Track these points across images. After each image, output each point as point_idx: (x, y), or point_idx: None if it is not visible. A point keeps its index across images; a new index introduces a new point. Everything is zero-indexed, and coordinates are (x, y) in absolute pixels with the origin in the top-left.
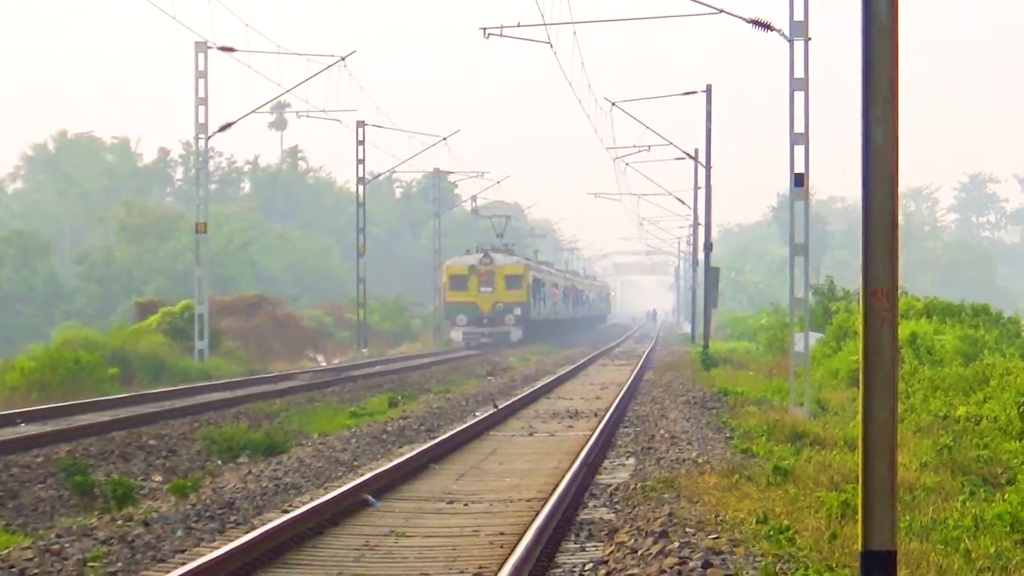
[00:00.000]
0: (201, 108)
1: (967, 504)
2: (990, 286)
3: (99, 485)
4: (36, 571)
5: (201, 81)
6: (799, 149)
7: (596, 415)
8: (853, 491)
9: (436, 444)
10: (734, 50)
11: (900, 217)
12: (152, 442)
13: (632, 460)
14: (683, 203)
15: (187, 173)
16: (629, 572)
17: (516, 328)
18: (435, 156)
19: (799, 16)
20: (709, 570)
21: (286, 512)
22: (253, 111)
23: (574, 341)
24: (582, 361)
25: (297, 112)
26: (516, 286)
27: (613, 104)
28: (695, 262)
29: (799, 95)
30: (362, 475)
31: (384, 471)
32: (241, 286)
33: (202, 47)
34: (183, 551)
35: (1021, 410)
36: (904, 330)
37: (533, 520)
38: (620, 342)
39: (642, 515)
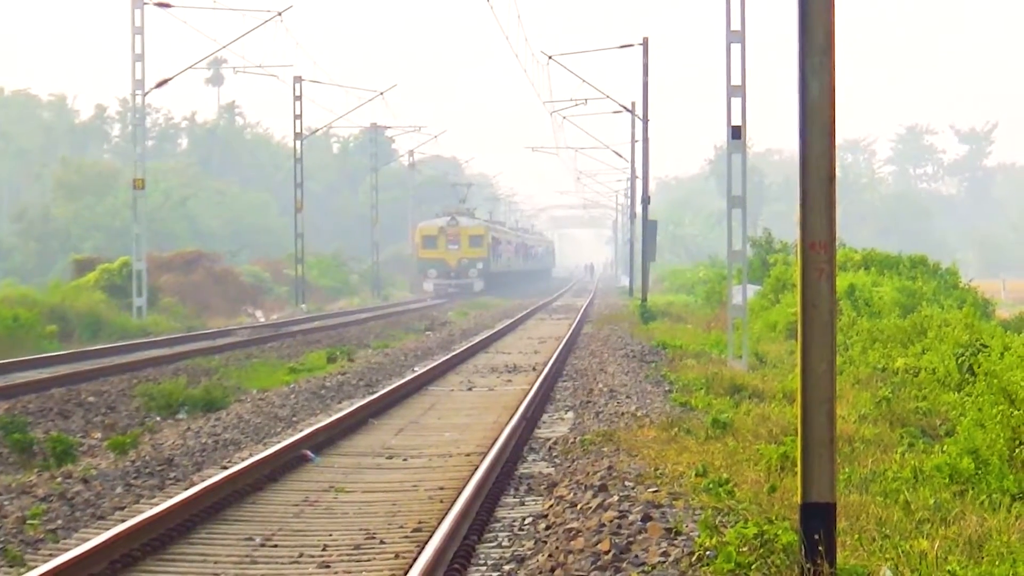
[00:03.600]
0: (138, 64)
1: (906, 456)
2: (928, 237)
3: (38, 442)
4: None
5: (138, 37)
6: (736, 102)
7: (535, 369)
8: (792, 444)
9: (375, 399)
10: (671, 2)
11: (837, 169)
12: (91, 399)
13: (571, 414)
14: (620, 156)
15: (124, 130)
16: (569, 526)
17: (478, 280)
18: (372, 111)
19: None
20: (649, 524)
21: (225, 468)
22: (190, 67)
23: (526, 290)
24: (520, 315)
25: (234, 68)
26: (478, 244)
27: (550, 58)
28: (633, 215)
29: (736, 47)
30: (301, 431)
31: (323, 427)
32: (179, 242)
33: (138, 3)
34: (123, 508)
35: (959, 361)
36: (842, 282)
37: (472, 475)
38: (558, 296)
39: (581, 469)
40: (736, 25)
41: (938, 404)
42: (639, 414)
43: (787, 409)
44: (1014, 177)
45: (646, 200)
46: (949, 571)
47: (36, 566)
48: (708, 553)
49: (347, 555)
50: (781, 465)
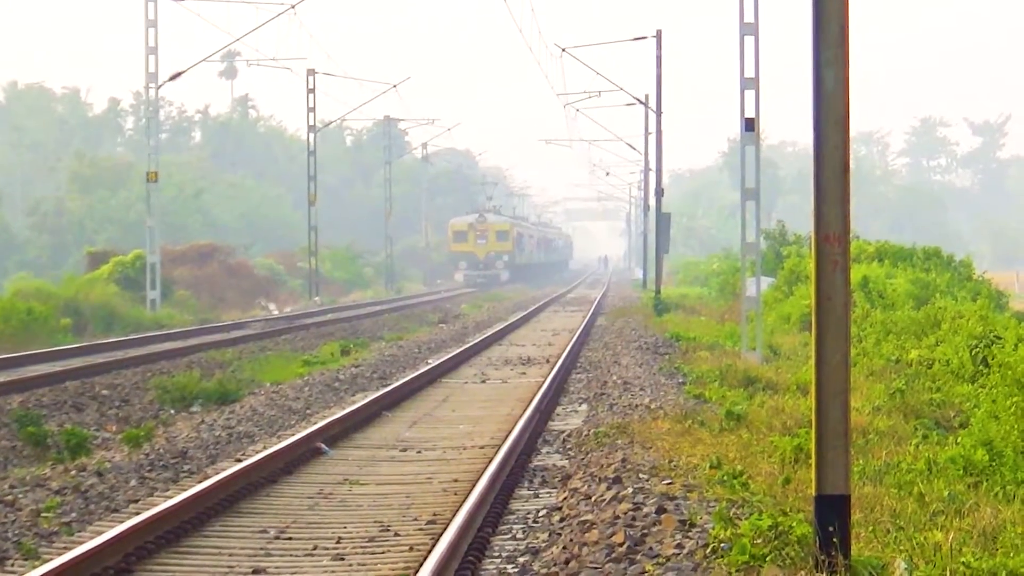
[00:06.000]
0: (151, 57)
1: (920, 448)
2: (941, 229)
3: (52, 435)
4: None
5: (151, 30)
6: (749, 94)
7: (548, 361)
8: (806, 436)
9: (389, 392)
10: None
11: (851, 161)
12: (105, 392)
13: (585, 406)
14: (634, 149)
15: (138, 123)
16: (583, 518)
17: (504, 271)
18: (386, 104)
19: None
20: (663, 516)
21: (240, 461)
22: (203, 60)
23: (547, 280)
24: (534, 308)
25: (247, 61)
26: (504, 239)
27: (563, 50)
28: (646, 208)
29: (749, 40)
30: (315, 423)
31: (337, 419)
32: (193, 235)
33: None
34: (137, 501)
35: (973, 353)
36: (856, 274)
37: (487, 467)
38: (571, 288)
39: (595, 461)
40: (749, 17)
41: (952, 396)
42: (653, 406)
43: (801, 401)
44: None
45: (660, 192)
46: (963, 563)
47: (51, 559)
48: (723, 545)
49: (361, 547)
50: (795, 457)
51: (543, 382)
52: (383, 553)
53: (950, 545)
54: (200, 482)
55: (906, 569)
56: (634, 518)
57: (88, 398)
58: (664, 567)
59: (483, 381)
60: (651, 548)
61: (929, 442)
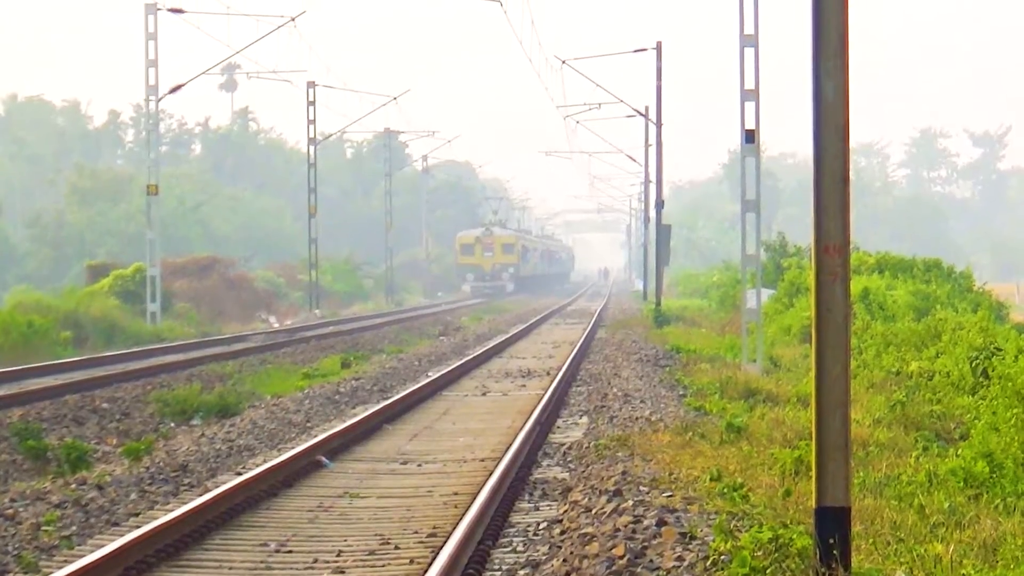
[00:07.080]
0: (151, 70)
1: (920, 460)
2: (942, 241)
3: (52, 449)
4: None
5: (151, 43)
6: (750, 106)
7: (549, 374)
8: (807, 448)
9: (389, 404)
10: (685, 6)
11: (851, 172)
12: (105, 405)
13: (585, 419)
14: (634, 161)
15: (138, 135)
16: (583, 531)
17: (510, 282)
18: (386, 116)
19: None
20: (663, 528)
21: (240, 474)
22: (203, 72)
23: (549, 291)
24: (534, 320)
25: (247, 73)
26: (510, 251)
27: (563, 62)
28: (647, 220)
29: (749, 51)
30: (315, 436)
31: (337, 432)
32: (193, 248)
33: (152, 8)
34: (137, 514)
35: (973, 365)
36: (856, 286)
37: (487, 480)
38: (573, 300)
39: (596, 474)
40: (749, 29)
41: (952, 408)
42: (653, 419)
43: (801, 413)
44: None
45: (660, 204)
46: (964, 575)
47: (51, 572)
48: (723, 558)
49: (362, 560)
50: (796, 469)
51: (543, 395)
52: (383, 566)
53: (950, 557)
54: (200, 495)
55: None
56: (635, 531)
57: (88, 411)
58: None
59: (484, 394)
60: (651, 561)
61: (929, 454)
